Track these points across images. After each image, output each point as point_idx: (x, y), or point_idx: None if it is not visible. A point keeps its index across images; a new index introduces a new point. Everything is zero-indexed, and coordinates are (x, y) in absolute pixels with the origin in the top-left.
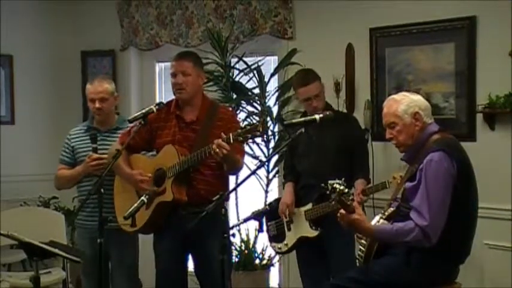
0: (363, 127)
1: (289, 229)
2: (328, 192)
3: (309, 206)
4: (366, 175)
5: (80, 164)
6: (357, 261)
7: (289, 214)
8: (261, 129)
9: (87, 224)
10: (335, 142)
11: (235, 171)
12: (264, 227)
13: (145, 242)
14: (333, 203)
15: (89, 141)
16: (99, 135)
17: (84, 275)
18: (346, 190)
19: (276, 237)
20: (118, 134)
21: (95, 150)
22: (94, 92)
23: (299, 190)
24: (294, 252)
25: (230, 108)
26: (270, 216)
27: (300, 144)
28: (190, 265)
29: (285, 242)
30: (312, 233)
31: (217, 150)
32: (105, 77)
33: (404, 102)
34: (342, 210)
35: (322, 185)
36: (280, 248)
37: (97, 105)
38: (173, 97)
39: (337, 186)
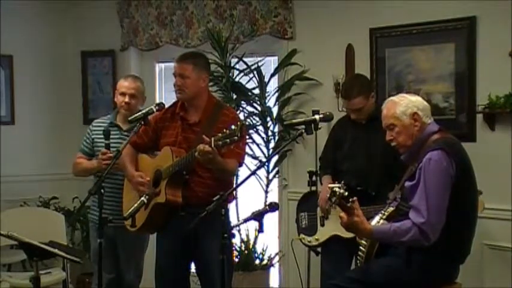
0: None
1: (322, 224)
2: (328, 195)
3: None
4: None
5: (97, 156)
6: (357, 261)
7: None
8: (239, 135)
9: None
10: (383, 146)
11: (225, 177)
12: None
13: None
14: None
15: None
16: (119, 133)
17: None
18: (346, 193)
19: (305, 230)
20: None
21: (107, 146)
22: (127, 87)
23: None
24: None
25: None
26: (302, 206)
27: (345, 143)
28: (193, 266)
29: (316, 237)
30: (348, 233)
31: (196, 154)
32: (138, 77)
33: (402, 104)
34: (342, 213)
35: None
36: (310, 242)
37: (126, 99)
38: (175, 97)
39: (337, 189)
